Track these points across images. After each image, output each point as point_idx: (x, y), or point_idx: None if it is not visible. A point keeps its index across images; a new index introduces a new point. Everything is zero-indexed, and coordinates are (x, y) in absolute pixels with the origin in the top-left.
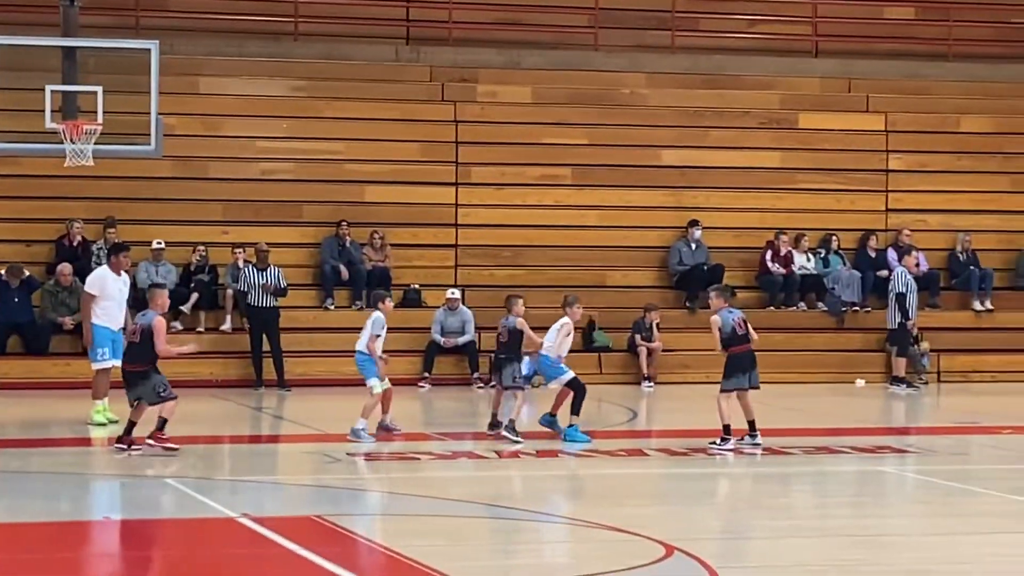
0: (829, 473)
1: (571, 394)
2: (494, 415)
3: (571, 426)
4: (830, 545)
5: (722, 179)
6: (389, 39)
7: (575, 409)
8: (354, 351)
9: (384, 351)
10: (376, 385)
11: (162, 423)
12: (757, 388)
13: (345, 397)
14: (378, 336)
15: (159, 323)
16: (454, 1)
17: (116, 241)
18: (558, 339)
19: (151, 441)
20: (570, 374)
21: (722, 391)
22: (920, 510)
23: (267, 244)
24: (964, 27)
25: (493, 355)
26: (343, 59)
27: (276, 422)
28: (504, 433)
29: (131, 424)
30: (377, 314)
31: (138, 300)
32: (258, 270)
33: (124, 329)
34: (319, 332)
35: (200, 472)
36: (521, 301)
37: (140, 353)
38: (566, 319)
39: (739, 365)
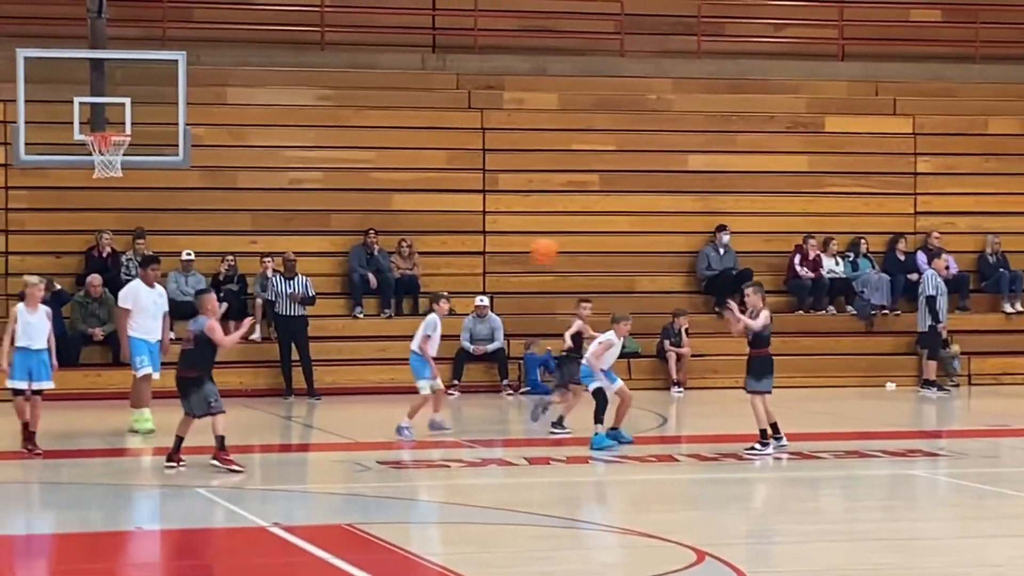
0: (860, 477)
1: (625, 404)
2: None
3: (596, 435)
4: (861, 549)
5: (750, 183)
6: (415, 47)
7: (597, 418)
8: (388, 359)
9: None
10: (425, 386)
11: (221, 441)
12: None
13: (375, 405)
14: (428, 336)
15: (211, 322)
16: (480, 9)
17: (146, 253)
18: (597, 351)
19: (215, 462)
20: (597, 383)
21: (755, 392)
22: (951, 513)
23: (295, 253)
24: (991, 29)
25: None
26: (370, 68)
27: (306, 431)
28: (552, 429)
29: (179, 440)
30: (431, 315)
31: (171, 311)
32: (286, 279)
33: (162, 341)
34: (348, 341)
35: (231, 482)
36: (585, 305)
37: (194, 359)
38: (610, 334)
39: (768, 366)
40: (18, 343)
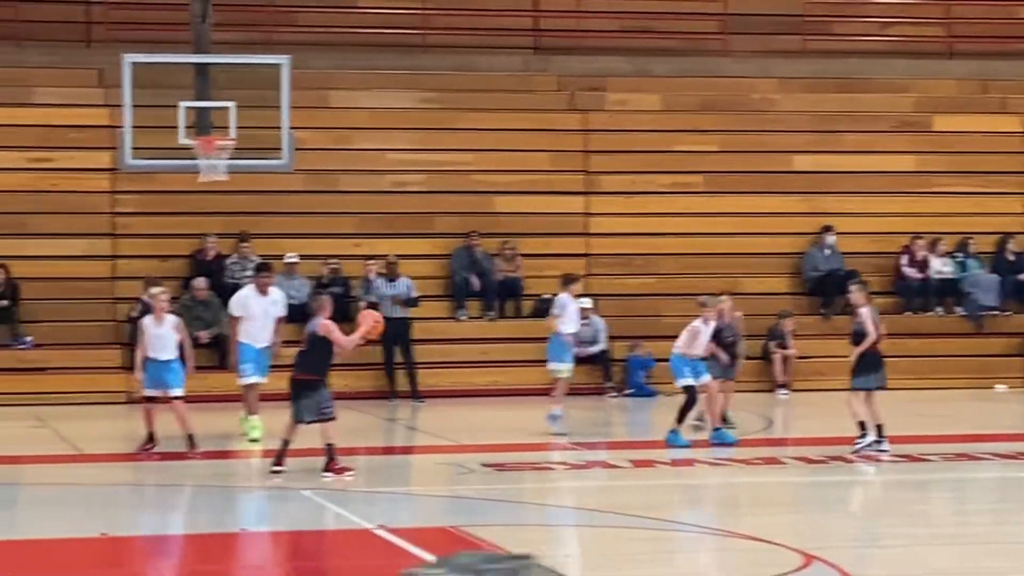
0: (969, 480)
1: (712, 401)
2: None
3: (672, 432)
4: (970, 553)
5: (856, 183)
6: (518, 49)
7: (681, 416)
8: (491, 361)
9: (518, 361)
10: (557, 369)
11: (330, 450)
12: (883, 388)
13: (478, 408)
14: (557, 316)
15: (326, 324)
16: (582, 10)
17: (252, 257)
18: (686, 340)
19: (328, 475)
20: (686, 380)
21: (853, 390)
22: None
23: (397, 256)
24: None
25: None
26: (472, 70)
27: (410, 433)
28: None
29: (285, 443)
30: (560, 295)
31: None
32: (388, 281)
33: (273, 345)
34: (451, 343)
35: (336, 484)
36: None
37: (310, 361)
38: (697, 321)
39: (871, 364)
40: (148, 354)
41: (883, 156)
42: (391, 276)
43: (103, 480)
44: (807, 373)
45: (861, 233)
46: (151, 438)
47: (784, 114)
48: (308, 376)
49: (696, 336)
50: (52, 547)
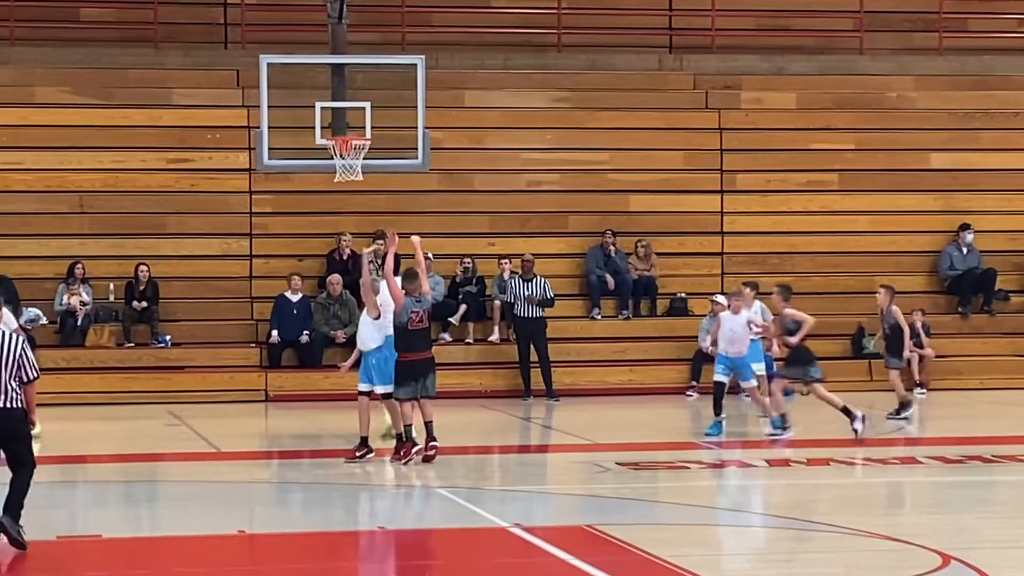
0: None
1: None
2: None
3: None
4: None
5: (994, 181)
6: (652, 48)
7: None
8: (626, 360)
9: (652, 360)
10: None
11: (426, 428)
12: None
13: (613, 406)
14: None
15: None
16: (717, 9)
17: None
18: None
19: (411, 454)
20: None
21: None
22: None
23: (533, 255)
24: None
25: None
26: (606, 69)
27: (545, 432)
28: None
29: (408, 428)
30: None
31: None
32: (524, 281)
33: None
34: (586, 342)
35: (471, 482)
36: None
37: (426, 338)
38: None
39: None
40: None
41: (1021, 154)
42: (527, 275)
43: (241, 477)
44: (945, 372)
45: (999, 231)
46: (365, 443)
47: (920, 112)
48: (427, 354)
49: (720, 327)
50: (190, 544)
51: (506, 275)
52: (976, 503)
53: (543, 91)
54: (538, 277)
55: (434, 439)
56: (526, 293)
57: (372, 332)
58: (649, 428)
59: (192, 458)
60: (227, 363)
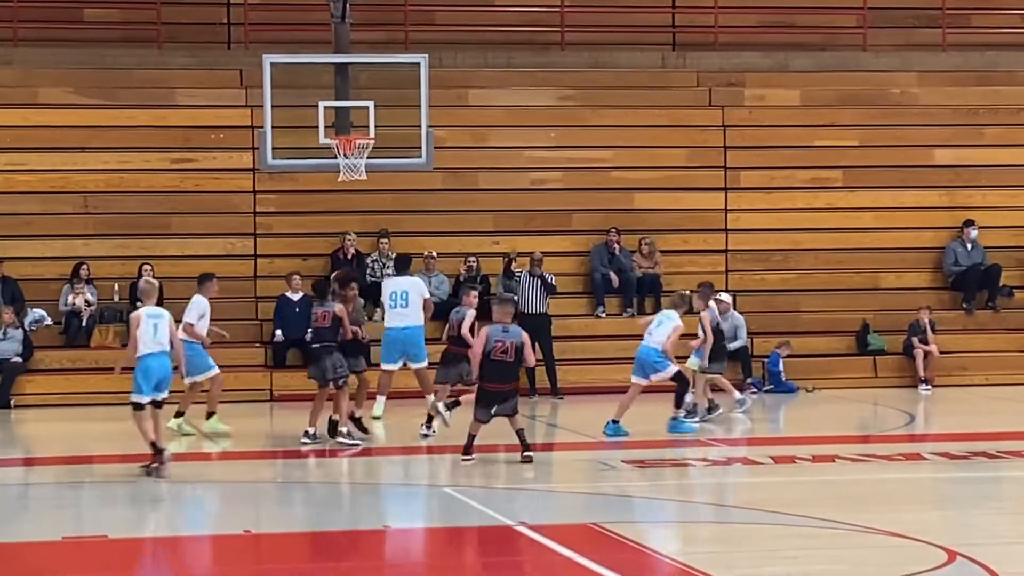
0: None
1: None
2: None
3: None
4: None
5: (998, 177)
6: (655, 45)
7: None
8: (631, 358)
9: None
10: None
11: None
12: None
13: (617, 404)
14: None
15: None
16: (720, 6)
17: (390, 254)
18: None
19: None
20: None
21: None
22: None
23: (541, 253)
24: None
25: None
26: (610, 67)
27: (550, 430)
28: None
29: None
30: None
31: None
32: (532, 277)
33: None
34: (591, 340)
35: (477, 481)
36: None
37: (507, 371)
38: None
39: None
40: None
41: None
42: (535, 272)
43: (246, 477)
44: (950, 368)
45: (1003, 227)
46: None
47: (924, 108)
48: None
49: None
50: (196, 544)
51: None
52: (982, 499)
53: (546, 89)
54: (546, 274)
55: (527, 447)
56: (529, 287)
57: None
58: (654, 426)
59: (197, 458)
60: (232, 363)
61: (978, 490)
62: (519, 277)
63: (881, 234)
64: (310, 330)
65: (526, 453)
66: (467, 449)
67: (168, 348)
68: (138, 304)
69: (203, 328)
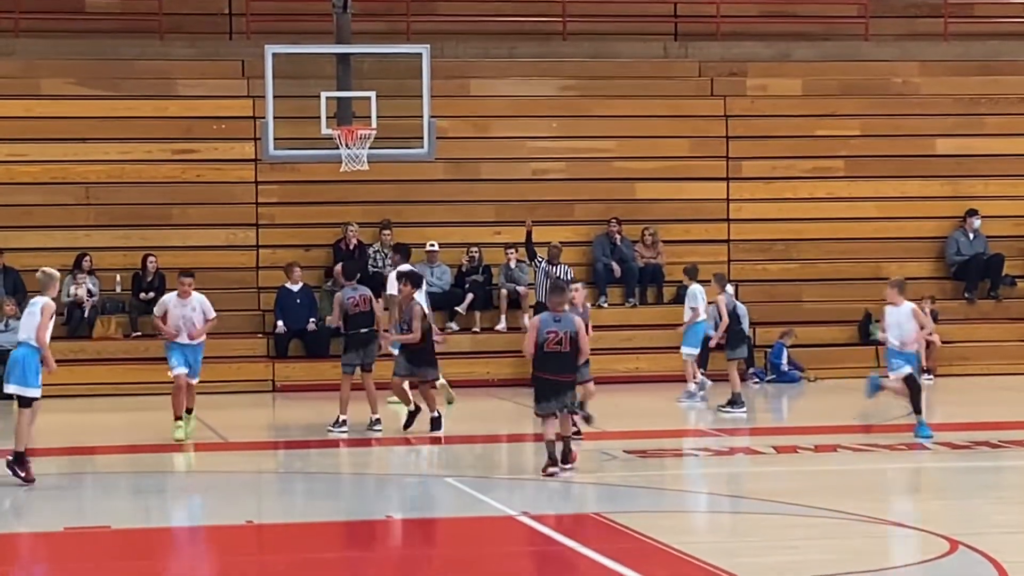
0: None
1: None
2: None
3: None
4: None
5: (1000, 167)
6: (657, 35)
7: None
8: (633, 348)
9: (659, 348)
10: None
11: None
12: None
13: (620, 394)
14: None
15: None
16: None
17: (392, 244)
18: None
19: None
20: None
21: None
22: None
23: (560, 243)
24: None
25: None
26: (611, 57)
27: None
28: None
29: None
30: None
31: None
32: (551, 266)
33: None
34: (593, 330)
35: (479, 471)
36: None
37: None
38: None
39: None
40: None
41: None
42: (553, 261)
43: (249, 468)
44: (951, 358)
45: (1006, 217)
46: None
47: (926, 97)
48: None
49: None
50: (199, 534)
51: (512, 264)
52: (983, 488)
53: (548, 79)
54: (563, 264)
55: (570, 450)
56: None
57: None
58: (656, 416)
59: (200, 449)
60: (234, 353)
61: (980, 479)
62: (539, 264)
63: (883, 224)
64: (345, 316)
65: (564, 465)
66: (551, 457)
67: (29, 339)
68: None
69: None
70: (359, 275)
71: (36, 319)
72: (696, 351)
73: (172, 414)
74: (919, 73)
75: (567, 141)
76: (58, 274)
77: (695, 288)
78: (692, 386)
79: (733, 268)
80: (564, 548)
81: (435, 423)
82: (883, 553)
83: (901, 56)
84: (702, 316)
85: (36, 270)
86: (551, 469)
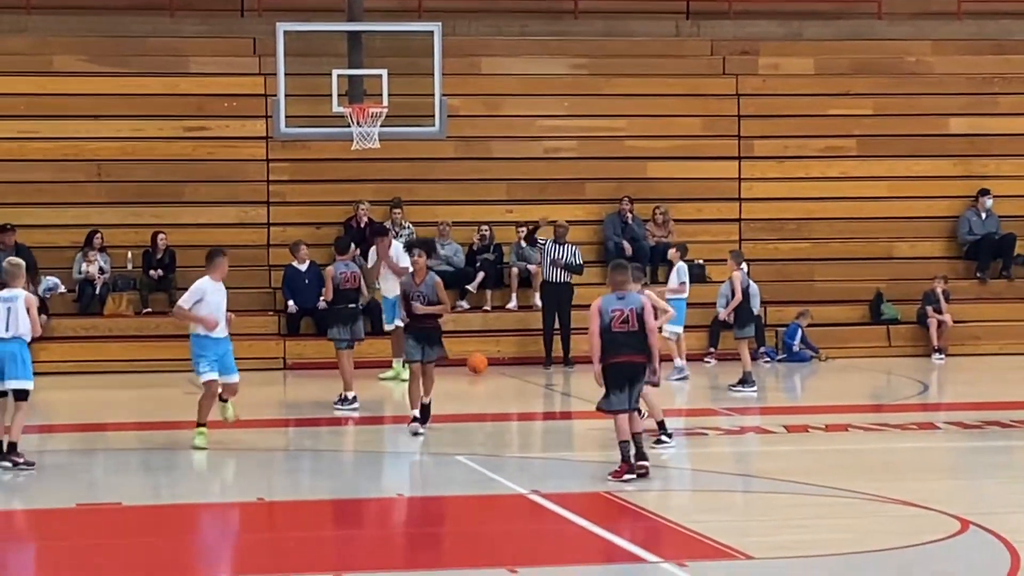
0: None
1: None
2: None
3: None
4: None
5: (1013, 146)
6: (669, 14)
7: None
8: None
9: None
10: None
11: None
12: None
13: None
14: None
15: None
16: None
17: (403, 223)
18: None
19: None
20: None
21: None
22: None
23: (566, 222)
24: None
25: None
26: (623, 35)
27: (563, 399)
28: None
29: (623, 445)
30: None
31: None
32: (558, 245)
33: None
34: None
35: (489, 449)
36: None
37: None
38: None
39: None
40: None
41: None
42: (560, 240)
43: (260, 445)
44: (963, 337)
45: (1018, 196)
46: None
47: (939, 76)
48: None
49: None
50: (209, 511)
51: (523, 243)
52: (995, 468)
53: (560, 58)
54: (569, 244)
55: (644, 456)
56: (554, 255)
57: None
58: (667, 395)
59: (211, 426)
60: (245, 331)
61: (991, 459)
62: (542, 244)
63: (895, 203)
64: (333, 291)
65: (639, 465)
66: (625, 457)
67: (18, 333)
68: None
69: (202, 311)
70: (358, 249)
71: (22, 316)
72: (680, 328)
73: (181, 391)
74: (932, 52)
75: (578, 120)
76: (24, 264)
77: (683, 265)
78: (679, 361)
79: (745, 247)
80: (574, 526)
81: (425, 411)
82: (894, 533)
83: (914, 35)
84: (686, 293)
85: (49, 247)
86: (627, 476)
